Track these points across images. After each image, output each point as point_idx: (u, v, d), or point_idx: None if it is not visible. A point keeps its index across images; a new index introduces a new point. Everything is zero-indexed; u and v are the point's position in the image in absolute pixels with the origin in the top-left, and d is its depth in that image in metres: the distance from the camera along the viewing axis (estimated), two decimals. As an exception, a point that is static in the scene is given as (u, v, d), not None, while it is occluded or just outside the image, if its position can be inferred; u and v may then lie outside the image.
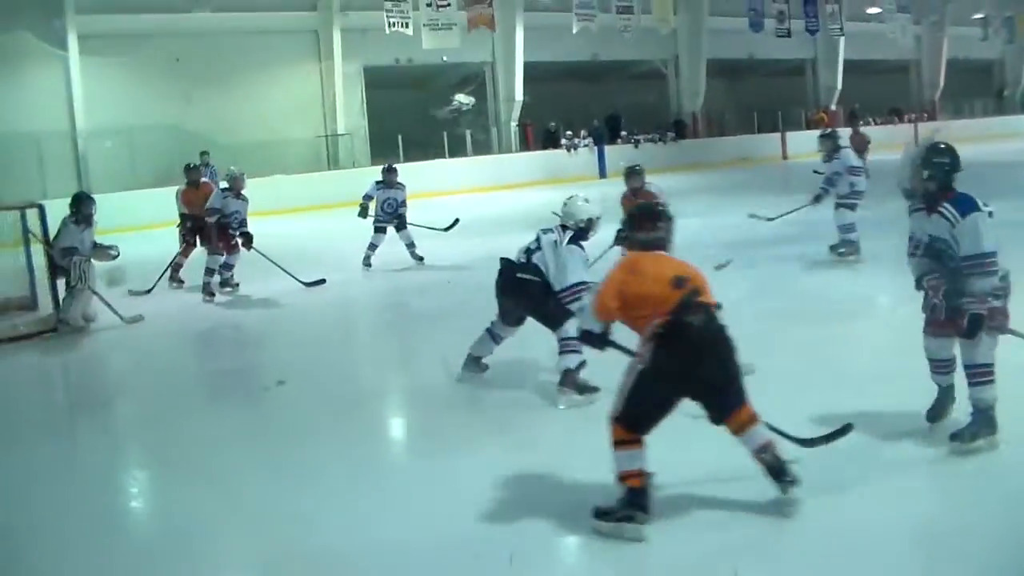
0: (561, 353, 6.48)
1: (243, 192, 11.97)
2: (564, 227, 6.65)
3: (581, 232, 6.65)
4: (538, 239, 6.69)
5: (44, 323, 10.15)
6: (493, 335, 6.99)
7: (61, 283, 10.26)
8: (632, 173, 10.52)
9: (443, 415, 6.52)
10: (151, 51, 23.32)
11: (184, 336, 10.33)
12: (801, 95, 38.58)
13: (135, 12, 22.78)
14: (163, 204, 20.96)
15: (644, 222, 4.87)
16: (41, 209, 10.43)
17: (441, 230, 13.61)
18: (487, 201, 23.23)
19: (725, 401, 4.56)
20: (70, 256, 10.04)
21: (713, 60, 33.34)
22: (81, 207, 10.35)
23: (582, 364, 6.39)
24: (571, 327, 6.30)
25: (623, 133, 30.65)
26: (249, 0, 24.06)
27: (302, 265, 12.13)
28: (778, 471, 4.52)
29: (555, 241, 6.59)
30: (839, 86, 37.97)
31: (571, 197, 6.88)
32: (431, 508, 4.91)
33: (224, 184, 12.34)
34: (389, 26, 24.18)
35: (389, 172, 13.24)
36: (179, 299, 12.07)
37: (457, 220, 13.85)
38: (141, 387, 8.14)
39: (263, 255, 11.83)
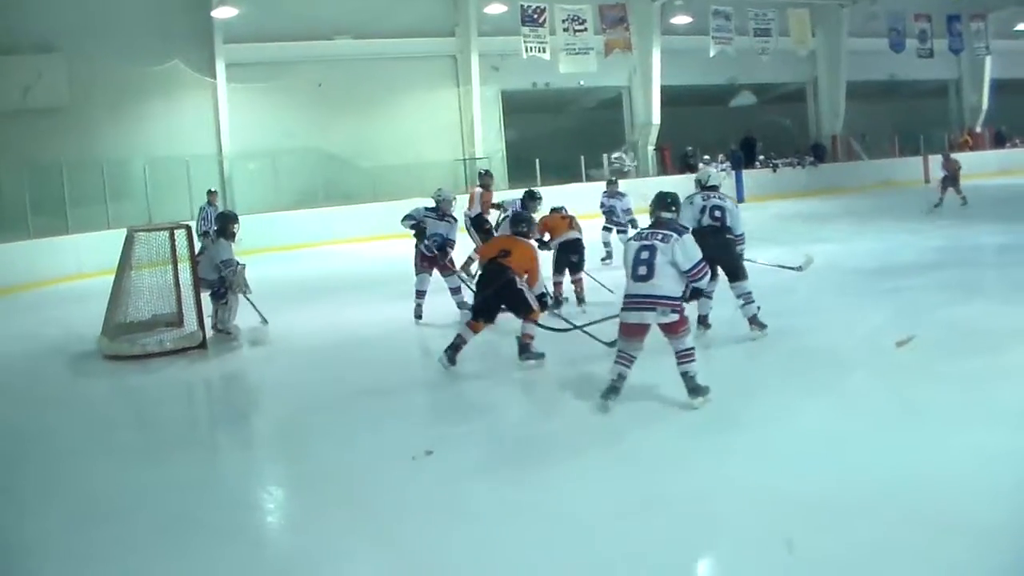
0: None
1: (450, 214, 11.07)
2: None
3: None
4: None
5: (190, 339, 10.13)
6: None
7: (205, 298, 10.38)
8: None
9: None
10: (294, 77, 23.44)
11: (330, 351, 9.97)
12: (944, 117, 36.76)
13: (279, 40, 23.04)
14: (305, 225, 21.60)
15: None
16: (188, 230, 10.61)
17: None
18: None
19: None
20: (231, 267, 10.38)
21: (853, 82, 31.89)
22: (228, 225, 10.69)
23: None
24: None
25: (760, 157, 29.65)
26: (389, 27, 24.08)
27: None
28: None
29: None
30: (985, 107, 35.96)
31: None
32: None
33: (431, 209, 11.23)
34: (526, 51, 23.98)
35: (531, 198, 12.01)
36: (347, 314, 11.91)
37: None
38: (282, 403, 8.03)
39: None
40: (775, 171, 28.90)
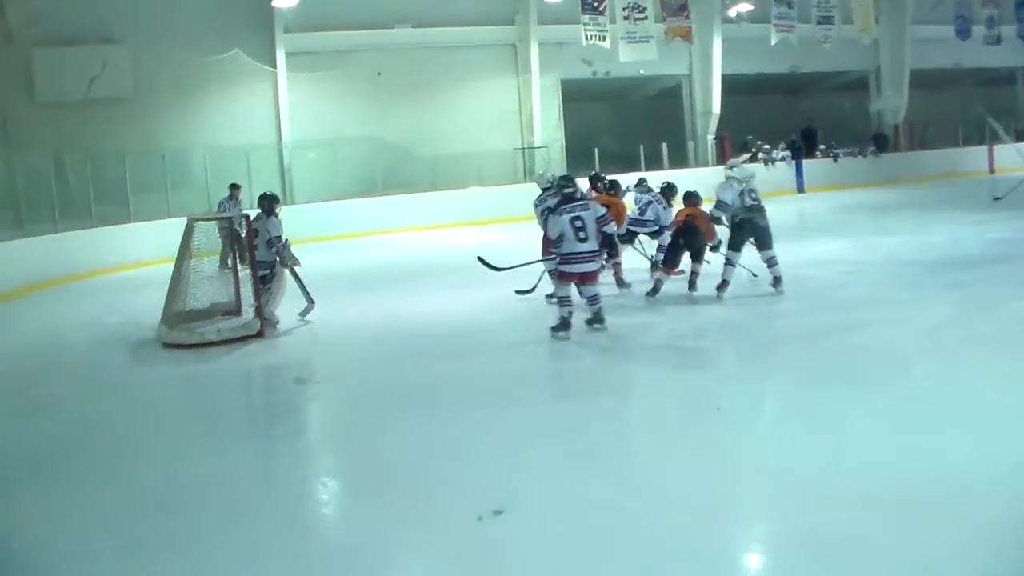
0: None
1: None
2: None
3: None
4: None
5: (247, 328, 10.00)
6: None
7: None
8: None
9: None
10: (354, 66, 23.34)
11: (387, 342, 9.69)
12: (1011, 105, 35.69)
13: (339, 29, 22.90)
14: (363, 214, 21.51)
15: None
16: (247, 219, 10.46)
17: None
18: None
19: None
20: (280, 243, 10.30)
21: (916, 70, 30.98)
22: (273, 204, 10.61)
23: None
24: None
25: (821, 147, 28.99)
26: (449, 15, 23.85)
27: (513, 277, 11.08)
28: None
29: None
30: (1052, 95, 35.12)
31: None
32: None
33: None
34: (586, 39, 23.60)
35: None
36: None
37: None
38: (338, 393, 7.87)
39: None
40: (836, 161, 28.33)
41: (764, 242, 10.44)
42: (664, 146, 25.93)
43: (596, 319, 9.08)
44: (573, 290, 9.05)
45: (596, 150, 24.49)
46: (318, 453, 6.45)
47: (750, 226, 10.37)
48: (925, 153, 30.75)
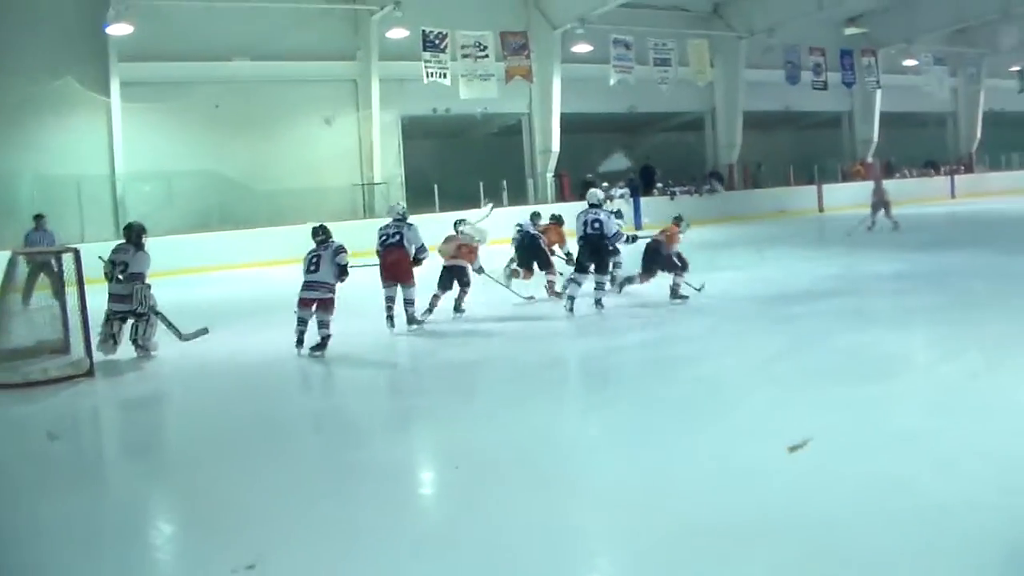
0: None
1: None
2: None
3: None
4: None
5: (76, 367, 9.93)
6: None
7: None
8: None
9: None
10: (191, 98, 23.33)
11: (222, 380, 9.88)
12: (837, 147, 38.32)
13: (176, 60, 22.85)
14: (200, 249, 21.44)
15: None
16: (76, 253, 10.37)
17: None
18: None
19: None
20: (143, 282, 10.64)
21: (749, 112, 33.06)
22: (144, 235, 11.03)
23: None
24: None
25: (658, 185, 30.43)
26: (289, 49, 24.13)
27: (344, 315, 11.41)
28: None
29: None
30: (875, 138, 37.71)
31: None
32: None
33: None
34: (427, 76, 24.28)
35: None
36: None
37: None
38: (173, 433, 8.06)
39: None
40: (672, 198, 29.61)
41: (598, 266, 12.39)
42: (504, 183, 26.75)
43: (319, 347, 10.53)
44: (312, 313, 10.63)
45: (436, 187, 25.12)
46: (152, 496, 6.34)
47: (588, 249, 12.30)
48: (757, 192, 32.62)
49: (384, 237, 11.94)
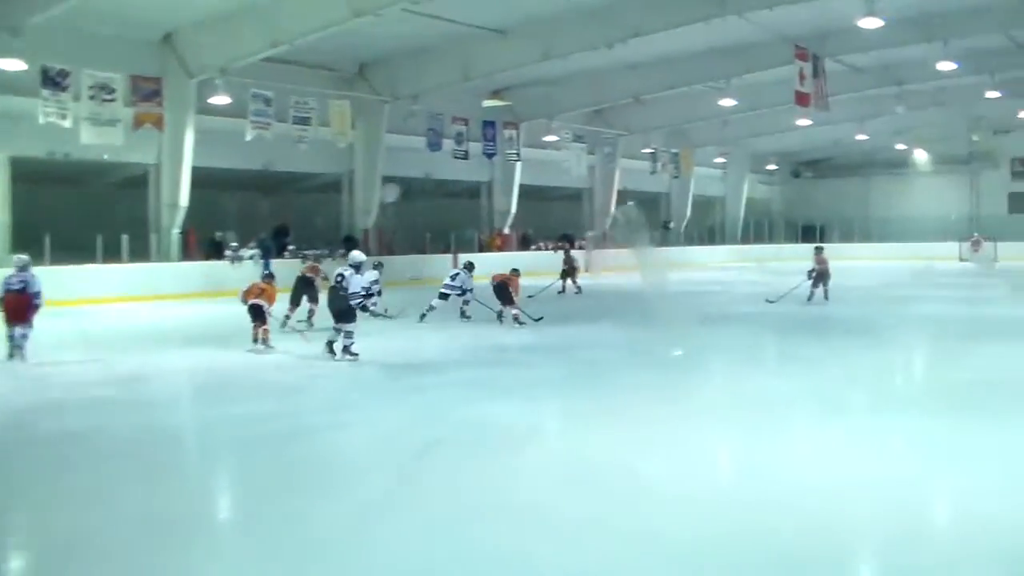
0: None
1: None
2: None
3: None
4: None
5: None
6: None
7: None
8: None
9: None
10: None
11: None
12: (476, 217, 40.68)
13: None
14: None
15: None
16: None
17: None
18: (142, 312, 23.14)
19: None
20: None
21: (389, 177, 34.36)
22: None
23: None
24: None
25: (291, 247, 30.97)
26: None
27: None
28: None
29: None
30: (513, 210, 40.36)
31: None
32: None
33: None
34: (44, 116, 23.60)
35: None
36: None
37: None
38: None
39: None
40: (304, 262, 29.49)
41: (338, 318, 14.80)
42: (125, 238, 26.34)
43: None
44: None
45: (48, 236, 24.31)
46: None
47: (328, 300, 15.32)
48: (392, 259, 33.75)
49: (8, 285, 14.37)
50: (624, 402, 11.65)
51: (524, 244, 40.36)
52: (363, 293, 15.06)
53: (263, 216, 32.43)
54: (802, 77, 28.84)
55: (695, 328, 17.32)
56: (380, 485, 7.99)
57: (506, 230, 40.11)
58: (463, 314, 20.48)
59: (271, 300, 15.87)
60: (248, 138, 27.96)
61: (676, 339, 15.46)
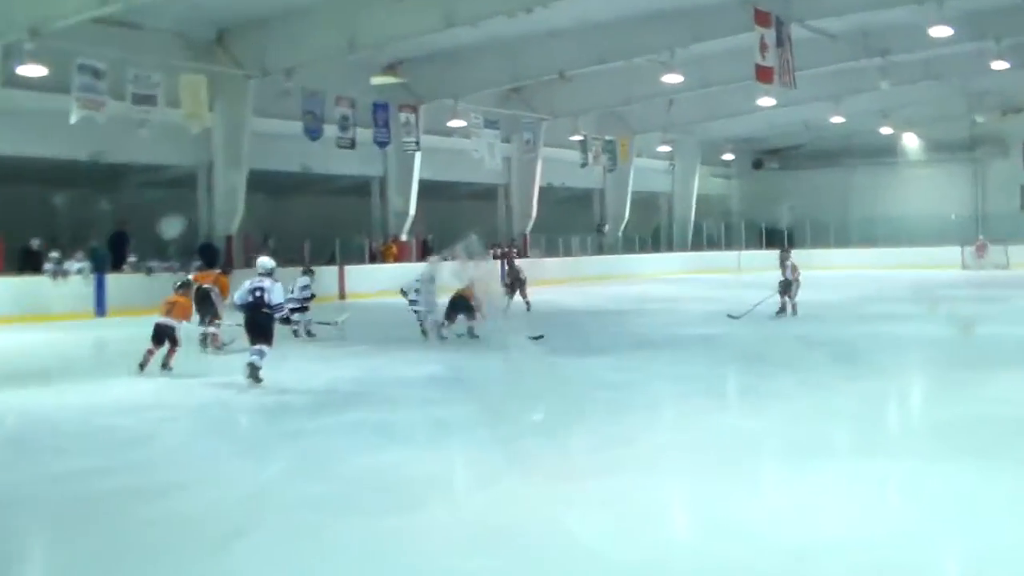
0: None
1: None
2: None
3: None
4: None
5: None
6: None
7: None
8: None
9: None
10: None
11: None
12: (366, 220, 39.84)
13: None
14: None
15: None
16: None
17: None
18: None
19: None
20: None
21: (259, 171, 33.35)
22: None
23: None
24: None
25: (132, 258, 29.88)
26: None
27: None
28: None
29: None
30: (412, 212, 39.66)
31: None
32: None
33: None
34: None
35: None
36: None
37: None
38: None
39: None
40: (149, 275, 28.97)
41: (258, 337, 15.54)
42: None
43: None
44: None
45: None
46: None
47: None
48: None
49: None
50: (549, 447, 11.39)
51: (426, 253, 39.90)
52: (294, 304, 16.15)
53: (97, 219, 31.36)
54: (763, 47, 28.53)
55: (627, 355, 17.21)
56: (244, 559, 7.74)
57: (403, 236, 39.35)
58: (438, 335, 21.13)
59: (187, 315, 17.30)
60: (73, 120, 26.38)
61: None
